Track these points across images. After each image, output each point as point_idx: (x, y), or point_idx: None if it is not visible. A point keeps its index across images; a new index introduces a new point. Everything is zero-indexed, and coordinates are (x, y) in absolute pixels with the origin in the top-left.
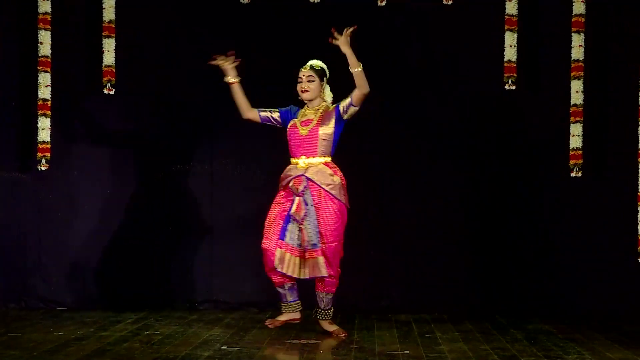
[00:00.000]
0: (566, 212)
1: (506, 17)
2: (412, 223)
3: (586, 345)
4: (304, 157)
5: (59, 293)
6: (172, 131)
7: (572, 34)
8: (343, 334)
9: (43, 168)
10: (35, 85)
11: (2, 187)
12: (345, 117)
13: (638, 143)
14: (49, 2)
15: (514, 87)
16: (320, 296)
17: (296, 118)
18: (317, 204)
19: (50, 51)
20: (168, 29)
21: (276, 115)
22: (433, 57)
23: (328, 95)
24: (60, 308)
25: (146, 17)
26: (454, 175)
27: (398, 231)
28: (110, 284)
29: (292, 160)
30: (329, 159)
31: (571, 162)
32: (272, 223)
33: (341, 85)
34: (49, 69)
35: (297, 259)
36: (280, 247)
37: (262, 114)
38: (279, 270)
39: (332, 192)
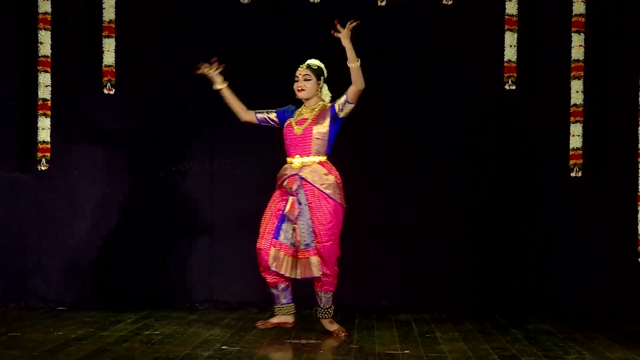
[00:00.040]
0: (566, 212)
1: (506, 17)
2: (412, 223)
3: (586, 345)
4: (298, 156)
5: (59, 293)
6: (172, 131)
7: (572, 34)
8: (343, 334)
9: (43, 168)
10: (35, 85)
11: (2, 187)
12: (341, 115)
13: (638, 143)
14: (49, 2)
15: (514, 87)
16: (320, 295)
17: (292, 117)
18: (310, 203)
19: (50, 51)
20: (168, 29)
21: (273, 115)
22: (433, 57)
23: (326, 94)
24: (60, 308)
25: (146, 17)
26: (454, 175)
27: (398, 231)
28: (110, 284)
29: (288, 159)
30: (324, 158)
31: (571, 162)
32: (267, 222)
33: (341, 85)
34: (49, 69)
35: (290, 258)
36: (274, 246)
37: (259, 115)
38: (273, 269)
39: (326, 191)
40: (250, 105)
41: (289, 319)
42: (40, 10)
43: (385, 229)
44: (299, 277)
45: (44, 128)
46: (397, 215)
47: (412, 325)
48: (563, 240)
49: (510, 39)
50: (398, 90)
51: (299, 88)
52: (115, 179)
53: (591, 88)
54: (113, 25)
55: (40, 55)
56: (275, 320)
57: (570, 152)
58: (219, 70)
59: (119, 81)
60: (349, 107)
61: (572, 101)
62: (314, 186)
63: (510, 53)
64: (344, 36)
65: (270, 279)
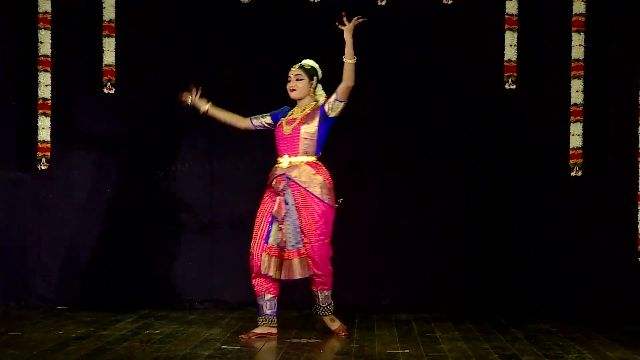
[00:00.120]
0: (566, 212)
1: (506, 16)
2: (412, 223)
3: (586, 344)
4: (287, 156)
5: (59, 292)
6: (172, 131)
7: (572, 33)
8: (344, 333)
9: (43, 167)
10: (35, 85)
11: (2, 187)
12: (331, 114)
13: (638, 143)
14: (49, 2)
15: (514, 87)
16: (317, 294)
17: (284, 117)
18: (297, 203)
19: (50, 50)
20: (168, 29)
21: (268, 119)
22: (433, 57)
23: (320, 95)
24: (60, 307)
25: (146, 17)
26: (453, 175)
27: (398, 231)
28: (110, 284)
29: (278, 159)
30: (313, 159)
31: (571, 161)
32: (259, 225)
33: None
34: (49, 69)
35: (277, 259)
36: (266, 252)
37: (255, 122)
38: (264, 273)
39: (314, 191)
40: (250, 105)
41: (272, 330)
42: (40, 10)
43: (385, 229)
44: (284, 278)
45: (44, 127)
46: (396, 215)
47: (412, 325)
48: (563, 240)
49: (510, 38)
50: (398, 90)
51: (291, 88)
52: (115, 178)
53: (591, 88)
54: (113, 25)
55: (40, 54)
56: (258, 331)
57: (571, 152)
58: (199, 93)
59: (119, 81)
60: (339, 105)
61: (572, 101)
62: (301, 186)
63: (510, 53)
64: (347, 29)
65: (258, 286)
